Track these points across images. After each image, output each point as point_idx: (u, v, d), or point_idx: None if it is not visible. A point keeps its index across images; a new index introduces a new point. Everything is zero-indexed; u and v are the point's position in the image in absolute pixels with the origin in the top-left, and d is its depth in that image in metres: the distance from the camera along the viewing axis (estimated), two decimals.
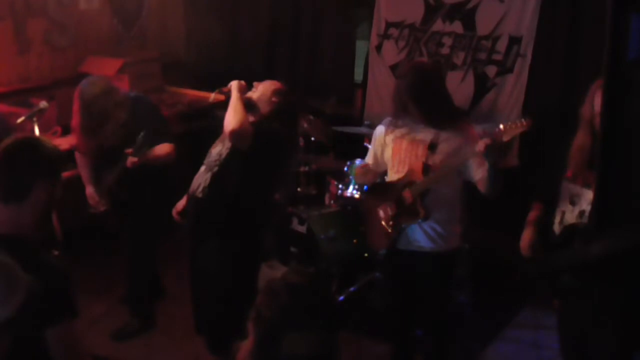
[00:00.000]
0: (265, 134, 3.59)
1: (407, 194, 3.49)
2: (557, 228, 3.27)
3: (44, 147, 2.46)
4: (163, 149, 4.19)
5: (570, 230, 3.19)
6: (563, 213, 3.24)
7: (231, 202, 3.65)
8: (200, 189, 3.71)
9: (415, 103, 3.45)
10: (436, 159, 3.44)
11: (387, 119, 3.67)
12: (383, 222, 3.61)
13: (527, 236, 3.38)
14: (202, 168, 3.78)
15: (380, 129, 3.70)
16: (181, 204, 3.94)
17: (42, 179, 2.41)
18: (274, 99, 3.73)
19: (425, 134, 3.48)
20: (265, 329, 2.00)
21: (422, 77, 3.50)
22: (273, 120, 3.68)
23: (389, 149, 3.61)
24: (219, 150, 3.74)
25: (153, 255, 4.56)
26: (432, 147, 3.44)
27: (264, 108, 3.71)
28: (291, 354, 1.95)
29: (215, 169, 3.70)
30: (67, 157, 4.81)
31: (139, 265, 4.48)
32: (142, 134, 3.98)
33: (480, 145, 3.22)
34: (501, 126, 3.23)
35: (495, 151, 3.22)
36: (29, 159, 2.41)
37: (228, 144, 3.68)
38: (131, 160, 4.03)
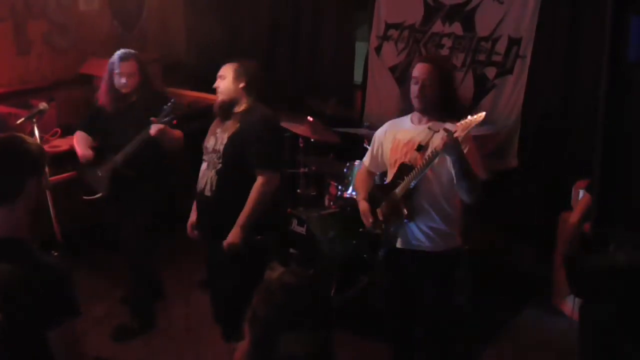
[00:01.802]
0: (254, 126, 3.62)
1: (394, 195, 3.51)
2: None
3: (27, 144, 2.43)
4: (176, 132, 4.26)
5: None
6: None
7: (239, 201, 3.67)
8: (208, 187, 3.73)
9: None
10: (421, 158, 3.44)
11: (390, 122, 3.68)
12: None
13: (570, 232, 3.34)
14: (204, 165, 3.79)
15: (381, 130, 3.71)
16: (193, 216, 3.93)
17: (31, 176, 2.39)
18: (241, 85, 3.73)
19: (420, 135, 3.48)
20: (260, 329, 2.00)
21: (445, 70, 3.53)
22: (254, 107, 3.71)
23: (387, 149, 3.61)
24: (213, 144, 3.76)
25: (153, 255, 4.57)
26: (419, 148, 3.44)
27: (236, 94, 3.73)
28: (286, 354, 1.94)
29: (219, 166, 3.71)
30: (67, 159, 4.86)
31: (139, 266, 4.48)
32: (169, 103, 4.05)
33: (439, 144, 3.24)
34: (457, 123, 3.25)
35: (453, 148, 3.22)
36: (15, 158, 2.38)
37: (222, 139, 3.70)
38: (156, 127, 4.03)
